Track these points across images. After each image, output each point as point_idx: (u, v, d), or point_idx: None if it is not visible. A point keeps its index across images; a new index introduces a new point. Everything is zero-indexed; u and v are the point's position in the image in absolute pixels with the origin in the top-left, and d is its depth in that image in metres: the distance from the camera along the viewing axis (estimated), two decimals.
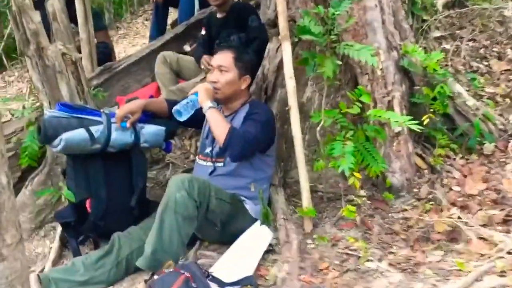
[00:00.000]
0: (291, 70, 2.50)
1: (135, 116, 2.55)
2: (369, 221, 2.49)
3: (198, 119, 2.59)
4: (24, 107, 3.00)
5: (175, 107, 2.42)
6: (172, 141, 3.11)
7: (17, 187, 3.02)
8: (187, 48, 4.54)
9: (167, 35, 4.29)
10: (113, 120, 2.55)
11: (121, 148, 2.57)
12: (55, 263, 2.50)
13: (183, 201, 2.16)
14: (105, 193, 2.53)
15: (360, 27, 2.68)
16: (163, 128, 2.69)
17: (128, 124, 2.52)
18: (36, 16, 2.61)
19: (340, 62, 2.48)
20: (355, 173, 2.39)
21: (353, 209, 2.43)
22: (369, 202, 2.64)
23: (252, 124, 2.35)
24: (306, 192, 2.47)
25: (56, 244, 2.58)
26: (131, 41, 6.70)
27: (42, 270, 2.52)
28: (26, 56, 2.73)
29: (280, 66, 2.70)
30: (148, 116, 2.67)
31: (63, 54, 2.71)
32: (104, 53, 4.63)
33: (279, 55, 2.70)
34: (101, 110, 2.65)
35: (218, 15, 3.81)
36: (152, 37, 5.44)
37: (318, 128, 2.50)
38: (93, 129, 2.48)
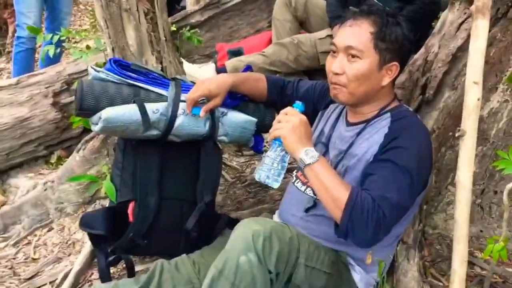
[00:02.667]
0: (479, 70, 1.41)
1: (216, 101, 1.67)
2: None
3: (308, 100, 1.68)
4: (88, 47, 2.25)
5: (259, 175, 1.42)
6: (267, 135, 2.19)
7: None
8: None
9: None
10: (183, 96, 1.71)
11: (189, 138, 1.75)
12: (77, 278, 1.84)
13: (249, 270, 1.30)
14: (156, 201, 1.75)
15: None
16: (254, 119, 1.79)
17: (202, 113, 1.66)
18: None
19: None
20: None
21: None
22: None
23: (393, 174, 1.33)
24: (458, 279, 1.46)
25: (83, 255, 1.90)
26: None
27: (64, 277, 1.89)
28: None
29: (458, 56, 1.61)
30: (236, 98, 1.78)
31: None
32: None
33: (462, 35, 1.60)
34: (172, 78, 1.82)
35: None
36: None
37: (509, 187, 1.42)
38: (150, 107, 1.66)
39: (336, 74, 1.47)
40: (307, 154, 1.35)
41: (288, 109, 1.44)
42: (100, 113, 1.61)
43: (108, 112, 1.60)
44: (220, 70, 2.60)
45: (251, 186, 2.27)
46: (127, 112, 1.63)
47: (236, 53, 2.83)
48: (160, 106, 1.68)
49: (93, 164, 2.23)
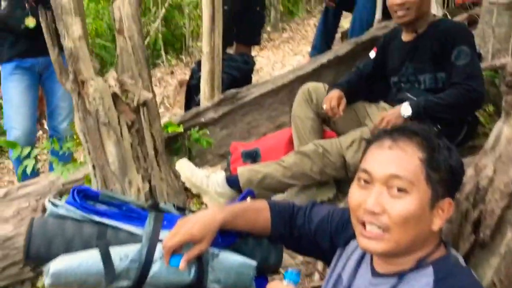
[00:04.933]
0: None
1: (201, 247, 1.28)
2: None
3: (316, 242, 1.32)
4: (74, 160, 1.96)
5: None
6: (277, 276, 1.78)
7: None
8: None
9: (325, 56, 2.94)
10: (164, 233, 1.34)
11: None
12: None
13: None
14: None
15: None
16: (253, 263, 1.39)
17: (182, 264, 1.28)
18: (77, 25, 1.51)
19: None
20: None
21: None
22: None
23: None
24: None
25: None
26: (294, 48, 5.51)
27: None
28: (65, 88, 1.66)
29: None
30: (230, 236, 1.40)
31: (115, 95, 1.57)
32: (241, 70, 3.50)
33: None
34: (153, 206, 1.46)
35: (404, 37, 2.36)
36: (315, 49, 4.22)
37: None
38: (117, 252, 1.29)
39: (374, 213, 1.06)
40: None
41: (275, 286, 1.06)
42: (48, 266, 1.26)
43: (58, 264, 1.25)
44: (231, 181, 2.24)
45: None
46: (85, 262, 1.27)
47: (251, 155, 2.49)
48: (131, 250, 1.31)
49: None
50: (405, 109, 2.13)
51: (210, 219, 1.31)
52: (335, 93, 2.30)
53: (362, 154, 1.22)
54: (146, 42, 6.32)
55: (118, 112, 1.60)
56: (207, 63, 2.76)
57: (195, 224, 1.28)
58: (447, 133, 2.16)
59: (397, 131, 1.16)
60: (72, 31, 1.50)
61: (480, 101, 2.14)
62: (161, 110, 4.44)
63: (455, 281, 1.04)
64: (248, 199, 1.50)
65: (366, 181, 1.11)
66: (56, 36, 1.57)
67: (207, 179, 2.25)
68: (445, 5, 3.36)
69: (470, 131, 2.23)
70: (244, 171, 2.25)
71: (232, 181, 2.24)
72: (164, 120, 4.34)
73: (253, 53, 4.87)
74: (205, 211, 1.35)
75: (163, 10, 6.48)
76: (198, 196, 2.52)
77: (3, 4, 2.46)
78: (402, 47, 2.36)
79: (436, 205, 1.07)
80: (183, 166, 2.30)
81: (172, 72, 5.42)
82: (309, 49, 4.72)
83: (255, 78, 4.76)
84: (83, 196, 1.38)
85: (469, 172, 1.38)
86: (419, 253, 1.10)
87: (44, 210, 2.32)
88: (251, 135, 2.83)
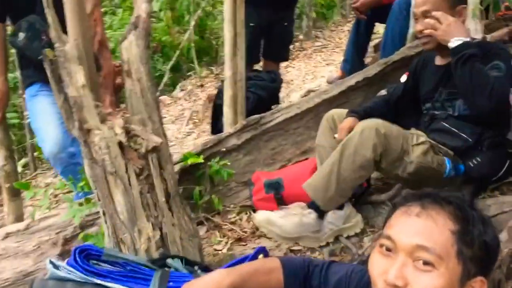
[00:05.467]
0: None
1: None
2: None
3: None
4: (88, 201, 1.91)
5: None
6: None
7: None
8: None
9: (353, 78, 2.80)
10: None
11: None
12: None
13: None
14: None
15: None
16: None
17: None
18: (80, 73, 1.45)
19: None
20: None
21: None
22: None
23: None
24: None
25: None
26: (326, 57, 5.35)
27: None
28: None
29: None
30: None
31: (120, 144, 1.50)
32: (268, 88, 3.41)
33: None
34: (161, 262, 1.40)
35: (437, 61, 2.21)
36: (346, 62, 4.08)
37: None
38: None
39: (395, 286, 0.95)
40: None
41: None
42: None
43: None
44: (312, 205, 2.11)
45: None
46: None
47: (274, 185, 2.39)
48: None
49: None
50: (454, 43, 1.93)
51: (216, 285, 1.22)
52: (348, 122, 2.16)
53: (385, 218, 1.11)
54: (178, 51, 6.36)
55: (126, 160, 1.53)
56: (229, 89, 2.67)
57: None
58: (488, 165, 2.01)
59: (428, 197, 1.04)
60: (76, 79, 1.44)
61: (489, 109, 1.90)
62: (190, 126, 4.40)
63: None
64: (260, 256, 1.41)
65: (388, 249, 1.00)
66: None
67: (299, 226, 2.11)
68: (486, 17, 3.15)
69: None
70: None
71: (312, 204, 2.11)
72: (192, 137, 4.34)
73: (284, 64, 4.78)
74: (211, 275, 1.26)
75: (196, 18, 6.43)
76: (218, 229, 2.44)
77: (21, 35, 2.45)
78: (436, 71, 2.20)
79: (467, 283, 0.96)
80: (261, 221, 2.19)
81: (202, 85, 5.38)
82: (341, 58, 4.57)
83: (285, 90, 4.66)
84: (85, 255, 1.33)
85: (503, 235, 1.25)
86: None
87: (64, 243, 2.31)
88: (276, 162, 2.72)
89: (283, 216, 2.10)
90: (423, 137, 2.04)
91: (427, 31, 2.02)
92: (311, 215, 2.09)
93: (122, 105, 5.49)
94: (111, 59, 5.34)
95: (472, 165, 2.01)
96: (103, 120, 1.50)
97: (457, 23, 1.98)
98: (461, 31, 1.97)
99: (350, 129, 2.10)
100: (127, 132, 1.52)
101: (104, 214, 1.65)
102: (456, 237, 0.96)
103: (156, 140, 1.58)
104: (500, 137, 2.06)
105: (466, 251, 0.96)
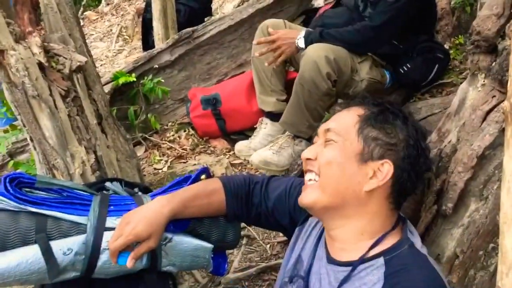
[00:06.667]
0: None
1: (149, 244, 1.19)
2: None
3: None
4: (13, 127, 1.79)
5: None
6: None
7: None
8: (319, 2, 2.97)
9: None
10: (112, 221, 1.25)
11: (122, 274, 1.29)
12: None
13: None
14: None
15: None
16: (208, 246, 1.32)
17: (129, 263, 1.19)
18: None
19: None
20: None
21: None
22: None
23: None
24: None
25: None
26: None
27: None
28: None
29: (487, 155, 1.10)
30: (183, 221, 1.30)
31: (41, 65, 1.39)
32: (200, 0, 3.24)
33: (491, 130, 1.08)
34: (98, 186, 1.36)
35: None
36: None
37: None
38: (60, 245, 1.20)
39: (309, 160, 1.12)
40: None
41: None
42: None
43: None
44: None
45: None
46: (24, 260, 1.17)
47: (211, 101, 2.35)
48: (75, 242, 1.22)
49: None
50: (301, 41, 2.03)
51: (156, 214, 1.20)
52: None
53: None
54: None
55: (49, 82, 1.43)
56: (158, 1, 2.51)
57: (139, 223, 1.18)
58: (417, 71, 2.06)
59: (357, 100, 1.16)
60: None
61: (374, 43, 1.99)
62: (120, 43, 4.17)
63: (407, 276, 0.99)
64: (203, 177, 1.39)
65: (315, 140, 1.17)
66: None
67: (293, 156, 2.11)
68: None
69: (442, 68, 2.11)
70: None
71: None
72: (123, 54, 4.13)
73: None
74: (150, 204, 1.24)
75: None
76: (157, 148, 2.41)
77: None
78: None
79: (369, 163, 1.05)
80: (259, 164, 2.16)
81: None
82: None
83: (218, 1, 4.46)
84: (17, 183, 1.26)
85: (433, 136, 1.29)
86: (365, 235, 1.07)
87: None
88: (212, 76, 2.66)
89: (276, 151, 2.10)
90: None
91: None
92: (302, 142, 2.10)
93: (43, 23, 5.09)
94: None
95: (402, 71, 2.05)
96: (18, 40, 1.37)
97: (289, 33, 2.09)
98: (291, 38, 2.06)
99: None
100: (46, 51, 1.40)
101: (32, 140, 1.56)
102: (361, 119, 1.07)
103: (80, 58, 1.48)
104: (430, 42, 2.10)
105: (368, 130, 1.06)
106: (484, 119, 1.09)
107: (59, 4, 1.47)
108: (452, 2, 2.30)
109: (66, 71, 1.45)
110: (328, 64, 1.90)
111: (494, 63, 1.07)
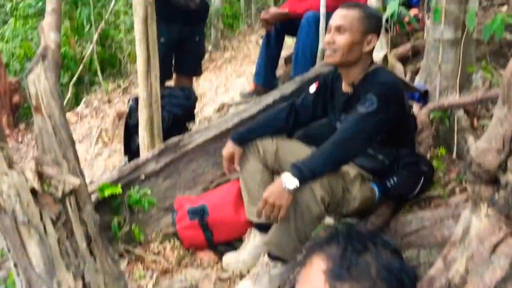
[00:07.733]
0: None
1: None
2: None
3: None
4: None
5: None
6: None
7: None
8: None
9: (270, 96, 2.79)
10: None
11: None
12: None
13: None
14: None
15: None
16: None
17: None
18: None
19: None
20: None
21: None
22: None
23: None
24: None
25: None
26: (237, 69, 5.33)
27: None
28: None
29: None
30: None
31: (33, 190, 1.35)
32: (183, 106, 3.31)
33: (502, 263, 1.07)
34: None
35: (343, 86, 2.18)
36: (258, 75, 4.08)
37: None
38: None
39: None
40: None
41: None
42: None
43: None
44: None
45: None
46: None
47: (198, 212, 2.31)
48: None
49: None
50: (289, 181, 1.82)
51: None
52: (228, 150, 2.23)
53: None
54: (81, 65, 6.00)
55: (40, 207, 1.38)
56: (144, 110, 2.55)
57: None
58: (404, 185, 2.07)
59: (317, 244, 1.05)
60: None
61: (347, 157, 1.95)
62: (99, 146, 4.16)
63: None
64: None
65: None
66: None
67: (272, 282, 2.00)
68: (390, 31, 3.31)
69: (427, 180, 2.15)
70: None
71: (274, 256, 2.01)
72: (103, 157, 4.10)
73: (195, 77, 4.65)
74: None
75: (99, 29, 6.08)
76: (141, 261, 2.31)
77: None
78: (340, 97, 2.17)
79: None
80: (230, 264, 2.18)
81: (109, 101, 5.12)
82: (252, 69, 4.56)
83: (198, 105, 4.56)
84: None
85: (438, 264, 1.28)
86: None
87: None
88: (197, 184, 2.64)
89: (256, 280, 2.01)
90: (353, 169, 2.04)
91: None
92: (278, 265, 2.01)
93: (21, 126, 5.07)
94: (6, 75, 4.96)
95: (389, 185, 2.07)
96: (11, 165, 1.33)
97: (274, 187, 1.87)
98: (279, 190, 1.85)
99: (231, 159, 2.20)
100: (40, 175, 1.37)
101: (16, 266, 1.47)
102: (327, 277, 0.95)
103: (73, 181, 1.44)
104: (413, 155, 2.15)
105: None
106: (493, 250, 1.09)
107: (55, 127, 1.46)
108: (431, 115, 2.40)
109: (59, 194, 1.41)
110: (322, 188, 1.84)
111: (497, 195, 1.09)
